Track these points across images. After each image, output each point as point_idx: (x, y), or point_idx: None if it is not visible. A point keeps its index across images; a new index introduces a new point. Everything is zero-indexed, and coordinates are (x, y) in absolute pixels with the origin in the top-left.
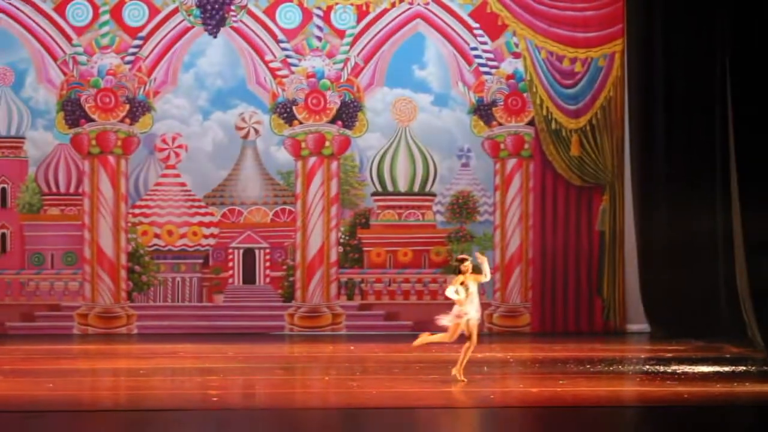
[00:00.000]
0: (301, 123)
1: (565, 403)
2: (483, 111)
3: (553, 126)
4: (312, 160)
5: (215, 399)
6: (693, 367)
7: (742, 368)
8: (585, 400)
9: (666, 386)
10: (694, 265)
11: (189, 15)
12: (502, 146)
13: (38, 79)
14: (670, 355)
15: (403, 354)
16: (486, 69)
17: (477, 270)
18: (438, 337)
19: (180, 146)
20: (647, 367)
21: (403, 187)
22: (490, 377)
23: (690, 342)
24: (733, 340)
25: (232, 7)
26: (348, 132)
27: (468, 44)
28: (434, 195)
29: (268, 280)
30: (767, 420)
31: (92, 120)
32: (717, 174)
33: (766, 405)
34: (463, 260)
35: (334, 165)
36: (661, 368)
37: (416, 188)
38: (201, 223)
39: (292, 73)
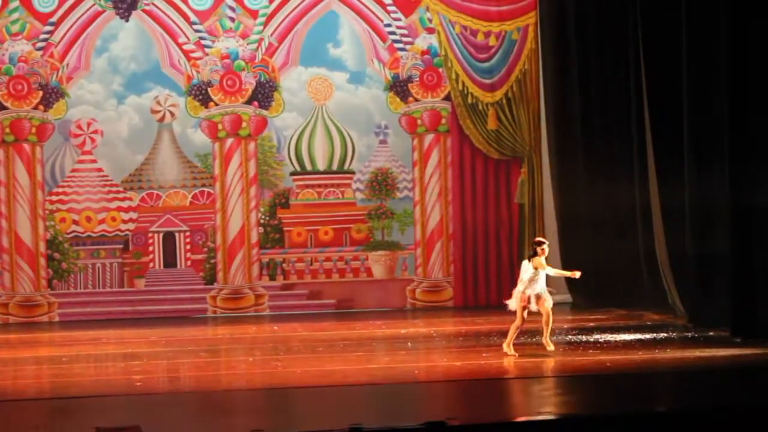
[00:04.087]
0: (216, 104)
1: (489, 376)
2: (399, 87)
3: (470, 100)
4: (229, 141)
5: (139, 384)
6: (615, 336)
7: (663, 335)
8: (508, 372)
9: (589, 355)
10: (614, 234)
11: None
12: (419, 122)
13: None
14: (592, 324)
15: (326, 332)
16: (400, 45)
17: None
18: (513, 329)
19: (95, 131)
20: (570, 336)
21: (321, 165)
22: (413, 353)
23: (611, 311)
24: (654, 308)
25: None
26: (264, 112)
27: (382, 21)
28: (353, 173)
29: (189, 263)
30: (689, 385)
31: (5, 108)
32: (634, 143)
33: (688, 371)
34: (540, 243)
35: (252, 146)
36: (584, 337)
37: (335, 166)
38: (119, 208)
39: (206, 54)
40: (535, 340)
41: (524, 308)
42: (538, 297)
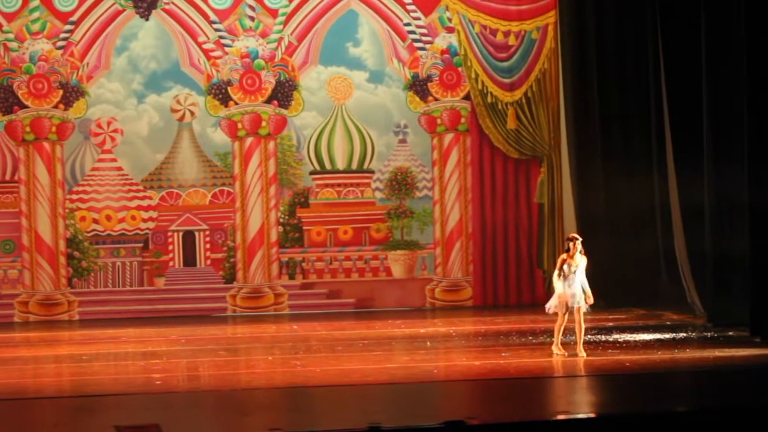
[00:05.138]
0: (236, 104)
1: (508, 375)
2: (418, 86)
3: (489, 99)
4: (249, 140)
5: (159, 382)
6: (634, 335)
7: (682, 335)
8: (527, 372)
9: (608, 355)
10: (633, 233)
11: None
12: (438, 121)
13: None
14: (611, 324)
15: (346, 331)
16: (420, 45)
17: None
18: (557, 329)
19: (115, 130)
20: (589, 336)
21: (341, 165)
22: (433, 352)
23: (631, 310)
24: (674, 308)
25: None
26: (284, 111)
27: (401, 20)
28: (372, 172)
29: (208, 262)
30: (708, 385)
31: (26, 106)
32: (653, 142)
33: (707, 370)
34: (573, 239)
35: (271, 145)
36: (603, 337)
37: (354, 166)
38: (139, 207)
39: (226, 54)
40: (552, 340)
41: (565, 308)
42: (573, 296)
